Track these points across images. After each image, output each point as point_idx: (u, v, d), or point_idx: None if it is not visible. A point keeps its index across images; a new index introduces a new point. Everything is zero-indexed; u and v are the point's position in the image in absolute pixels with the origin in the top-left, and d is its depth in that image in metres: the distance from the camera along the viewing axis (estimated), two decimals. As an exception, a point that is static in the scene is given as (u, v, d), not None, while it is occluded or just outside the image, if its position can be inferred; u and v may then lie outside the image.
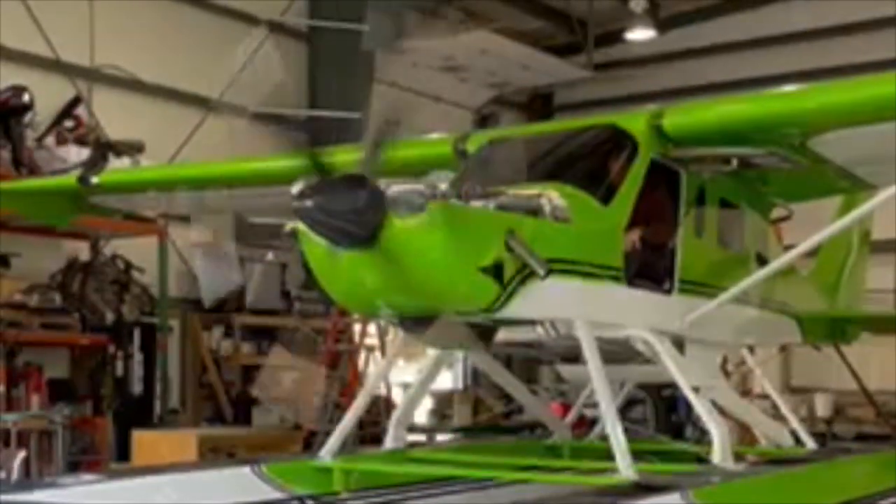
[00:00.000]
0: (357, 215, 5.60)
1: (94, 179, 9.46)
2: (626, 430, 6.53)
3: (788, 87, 7.52)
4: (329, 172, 5.69)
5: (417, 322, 6.34)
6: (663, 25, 19.20)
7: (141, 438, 11.05)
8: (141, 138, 13.15)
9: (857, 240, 11.60)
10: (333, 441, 7.39)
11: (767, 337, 9.47)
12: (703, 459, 7.13)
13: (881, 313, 12.09)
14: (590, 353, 6.55)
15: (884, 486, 7.20)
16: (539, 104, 20.96)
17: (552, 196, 6.48)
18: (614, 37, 19.67)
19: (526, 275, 6.09)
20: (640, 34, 19.40)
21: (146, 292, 13.28)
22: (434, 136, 8.31)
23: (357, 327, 14.14)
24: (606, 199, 6.85)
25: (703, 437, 11.30)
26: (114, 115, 13.54)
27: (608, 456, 6.48)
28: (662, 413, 13.66)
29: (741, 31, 18.69)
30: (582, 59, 19.44)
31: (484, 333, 6.57)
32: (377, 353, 14.12)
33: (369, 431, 11.68)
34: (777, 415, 8.49)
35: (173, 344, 13.84)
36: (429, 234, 5.74)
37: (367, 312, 7.09)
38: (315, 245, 5.81)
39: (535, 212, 6.35)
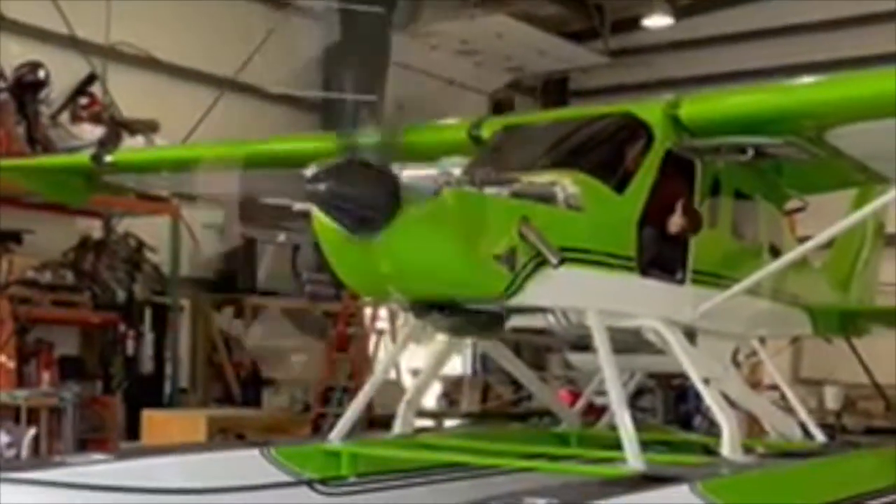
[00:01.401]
0: (370, 199, 5.59)
1: (108, 158, 9.45)
2: (635, 420, 6.51)
3: (806, 78, 7.45)
4: (349, 155, 5.67)
5: (428, 308, 6.34)
6: (681, 13, 19.11)
7: (151, 418, 11.08)
8: (155, 117, 13.16)
9: (871, 233, 11.53)
10: (342, 425, 7.39)
11: (779, 329, 9.42)
12: (711, 451, 7.11)
13: (893, 307, 12.02)
14: (601, 342, 6.53)
15: (893, 481, 7.17)
16: (554, 90, 20.89)
17: (566, 184, 6.44)
18: (631, 23, 19.58)
19: (538, 263, 6.07)
20: (657, 21, 19.31)
21: (158, 271, 13.30)
22: (449, 121, 8.28)
23: (367, 311, 14.17)
24: (620, 187, 6.81)
25: (711, 428, 11.29)
26: (128, 93, 13.54)
27: (616, 445, 6.46)
28: (671, 403, 13.64)
29: (759, 20, 18.58)
30: (598, 45, 19.37)
31: (494, 322, 6.53)
32: (387, 338, 14.15)
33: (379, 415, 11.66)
34: (786, 407, 8.46)
35: (184, 324, 13.87)
36: (442, 220, 5.72)
37: (378, 297, 7.09)
38: (327, 228, 5.79)
39: (548, 199, 6.32)
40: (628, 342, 7.08)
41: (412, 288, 6.06)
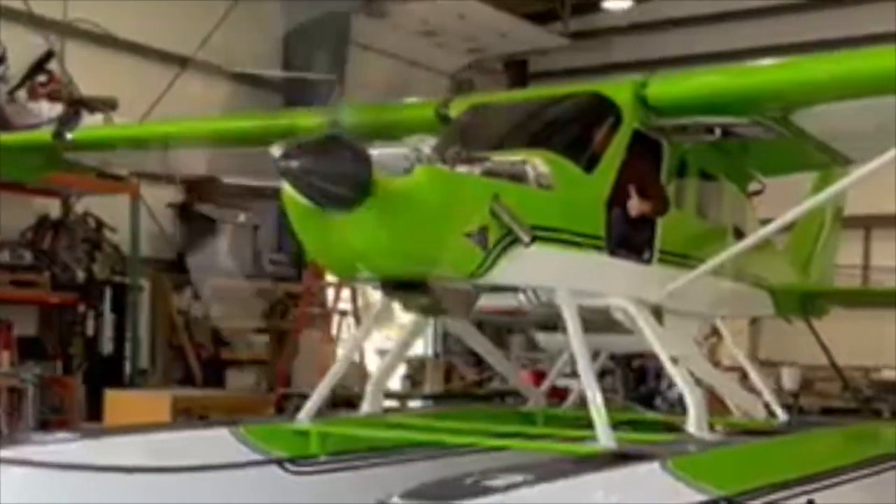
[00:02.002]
0: (343, 176, 5.54)
1: (69, 135, 9.34)
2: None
3: (771, 60, 7.52)
4: (321, 132, 5.63)
5: (399, 286, 6.32)
6: (642, -5, 19.16)
7: (114, 398, 10.96)
8: (114, 95, 12.99)
9: (830, 216, 11.67)
10: (311, 404, 7.37)
11: (742, 309, 9.53)
12: (676, 429, 7.16)
13: (852, 288, 12.18)
14: (571, 321, 6.55)
15: (856, 458, 7.28)
16: (514, 71, 20.88)
17: (536, 163, 6.46)
18: (591, 6, 19.61)
19: (510, 241, 6.08)
20: (616, 3, 19.36)
21: (117, 251, 13.17)
22: (415, 100, 8.25)
23: (330, 291, 14.14)
24: (590, 167, 6.85)
25: (671, 408, 11.38)
26: (87, 70, 13.35)
27: (583, 424, 6.49)
28: (632, 383, 13.72)
29: (721, 3, 18.63)
30: (558, 27, 19.37)
31: (466, 301, 6.52)
32: (350, 318, 14.13)
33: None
34: (745, 387, 8.55)
35: (144, 304, 13.73)
36: (415, 198, 5.70)
37: (349, 275, 7.05)
38: (299, 205, 5.74)
39: (519, 178, 6.33)
40: (595, 321, 7.11)
41: (383, 266, 6.03)
